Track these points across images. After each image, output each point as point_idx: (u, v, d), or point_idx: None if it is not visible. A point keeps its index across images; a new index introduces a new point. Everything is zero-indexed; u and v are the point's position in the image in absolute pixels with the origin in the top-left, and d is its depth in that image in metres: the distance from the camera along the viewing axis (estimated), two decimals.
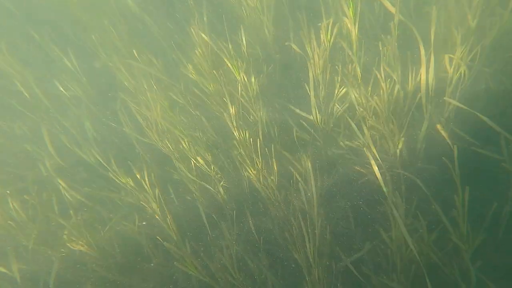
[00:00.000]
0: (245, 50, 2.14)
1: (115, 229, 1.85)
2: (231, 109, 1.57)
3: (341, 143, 1.99)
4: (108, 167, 1.90)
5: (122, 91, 2.37)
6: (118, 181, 1.98)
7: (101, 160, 1.93)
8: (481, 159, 1.64)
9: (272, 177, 1.68)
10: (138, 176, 2.07)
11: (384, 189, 1.24)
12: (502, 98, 1.86)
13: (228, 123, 1.63)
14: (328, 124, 2.04)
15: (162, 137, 1.89)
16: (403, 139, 1.68)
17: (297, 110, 2.08)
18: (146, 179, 2.02)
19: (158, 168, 2.32)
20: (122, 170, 2.24)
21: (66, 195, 1.77)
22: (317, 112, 1.98)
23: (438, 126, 1.46)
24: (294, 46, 1.85)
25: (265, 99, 2.38)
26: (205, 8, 2.60)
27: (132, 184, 2.11)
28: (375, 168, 1.25)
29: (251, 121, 2.17)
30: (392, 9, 1.39)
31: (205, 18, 1.80)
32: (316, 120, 2.06)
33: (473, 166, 1.65)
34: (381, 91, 1.48)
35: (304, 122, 2.18)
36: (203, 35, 1.73)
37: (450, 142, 1.42)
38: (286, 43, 2.49)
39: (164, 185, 2.23)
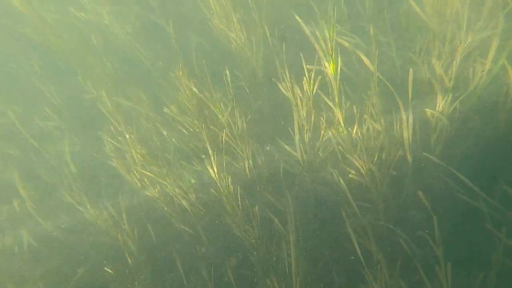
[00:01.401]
0: (231, 91, 2.14)
1: (85, 276, 1.75)
2: (211, 156, 1.53)
3: (329, 179, 1.96)
4: (78, 203, 1.82)
5: (108, 125, 2.33)
6: (94, 222, 1.90)
7: (71, 199, 1.86)
8: (469, 207, 1.61)
9: (253, 225, 1.62)
10: (115, 215, 1.99)
11: (358, 250, 1.18)
12: (487, 144, 1.86)
13: (209, 169, 1.59)
14: (315, 163, 2.01)
15: (142, 178, 1.83)
16: (386, 188, 1.65)
17: (285, 146, 2.05)
18: (125, 220, 1.94)
19: (144, 204, 2.24)
20: (101, 204, 2.16)
21: (32, 241, 1.68)
22: (304, 152, 1.96)
23: (419, 193, 1.43)
24: (280, 87, 1.85)
25: (253, 133, 2.36)
26: (194, 46, 2.64)
27: (111, 224, 2.02)
28: (350, 232, 1.20)
29: (238, 158, 2.14)
30: (372, 67, 1.41)
31: (194, 60, 1.80)
32: (301, 161, 2.03)
33: (461, 215, 1.61)
34: (358, 147, 1.47)
35: (291, 159, 2.15)
36: (187, 82, 1.72)
37: (430, 210, 1.39)
38: (273, 79, 2.51)
39: (146, 222, 2.14)
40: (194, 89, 1.77)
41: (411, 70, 1.39)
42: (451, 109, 1.63)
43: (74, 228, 2.05)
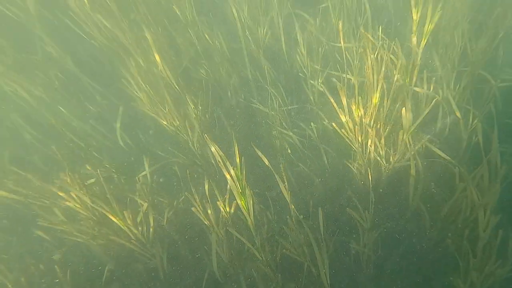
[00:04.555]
0: (145, 190, 1.84)
1: None
2: None
3: None
4: None
5: None
6: None
7: None
8: None
9: None
10: None
11: None
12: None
13: None
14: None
15: None
16: None
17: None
18: None
19: None
20: None
21: None
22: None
23: None
24: (196, 209, 1.52)
25: (175, 231, 1.95)
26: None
27: None
28: None
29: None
30: (288, 198, 1.26)
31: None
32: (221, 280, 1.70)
33: None
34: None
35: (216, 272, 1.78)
36: (79, 193, 1.38)
37: None
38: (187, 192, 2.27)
39: None
40: (86, 199, 1.43)
41: (320, 210, 1.27)
42: (372, 241, 1.52)
43: None
